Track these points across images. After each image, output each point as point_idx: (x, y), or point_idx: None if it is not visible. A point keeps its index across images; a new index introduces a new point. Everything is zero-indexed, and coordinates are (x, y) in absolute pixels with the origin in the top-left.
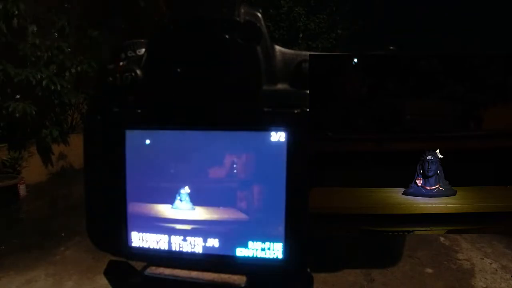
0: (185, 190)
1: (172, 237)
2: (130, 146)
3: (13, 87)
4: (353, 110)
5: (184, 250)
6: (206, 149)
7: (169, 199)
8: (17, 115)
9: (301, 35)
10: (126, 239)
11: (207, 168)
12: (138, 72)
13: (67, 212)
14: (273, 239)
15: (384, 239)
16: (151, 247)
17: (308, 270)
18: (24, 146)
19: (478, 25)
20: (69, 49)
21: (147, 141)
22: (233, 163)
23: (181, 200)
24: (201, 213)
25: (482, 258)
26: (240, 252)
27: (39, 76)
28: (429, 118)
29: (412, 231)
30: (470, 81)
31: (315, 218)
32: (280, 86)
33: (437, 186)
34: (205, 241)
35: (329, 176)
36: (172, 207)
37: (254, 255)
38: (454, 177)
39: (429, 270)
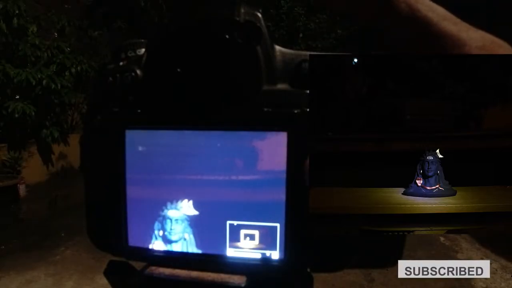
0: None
1: None
2: (130, 146)
3: (13, 87)
4: (353, 110)
5: (184, 250)
6: (206, 149)
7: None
8: (16, 115)
9: (301, 35)
10: (126, 239)
11: (206, 168)
12: (138, 72)
13: (67, 212)
14: (273, 239)
15: (384, 239)
16: (151, 247)
17: (308, 270)
18: (24, 146)
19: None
20: (69, 49)
21: (147, 141)
22: (232, 163)
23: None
24: None
25: (482, 258)
26: (240, 252)
27: (39, 76)
28: (429, 118)
29: (412, 231)
30: (470, 81)
31: (315, 218)
32: (280, 86)
33: (437, 186)
34: None
35: (329, 176)
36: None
37: (254, 255)
38: (454, 177)
39: None
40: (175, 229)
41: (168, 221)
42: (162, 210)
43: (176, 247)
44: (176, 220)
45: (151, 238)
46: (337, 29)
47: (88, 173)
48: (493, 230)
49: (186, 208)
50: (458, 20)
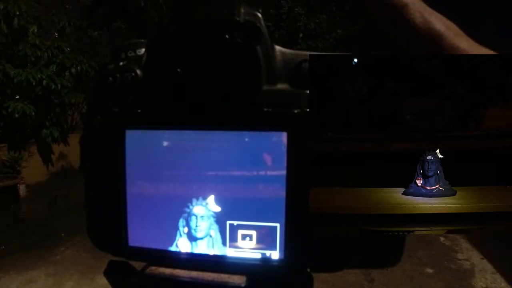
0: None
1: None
2: (130, 146)
3: (13, 87)
4: (353, 110)
5: (184, 250)
6: (206, 149)
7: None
8: (16, 115)
9: (301, 35)
10: (126, 239)
11: (206, 168)
12: (138, 72)
13: (67, 212)
14: (273, 239)
15: (384, 239)
16: (151, 247)
17: (308, 270)
18: (24, 146)
19: (478, 24)
20: (69, 49)
21: (147, 141)
22: (232, 163)
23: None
24: None
25: (482, 258)
26: (240, 252)
27: (39, 76)
28: (429, 118)
29: (412, 231)
30: (470, 81)
31: (315, 218)
32: (280, 86)
33: (437, 186)
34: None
35: (329, 176)
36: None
37: (254, 255)
38: (454, 177)
39: (429, 270)
40: (200, 226)
41: (194, 217)
42: (187, 207)
43: (202, 244)
44: (202, 216)
45: (151, 238)
46: (337, 29)
47: (88, 173)
48: (493, 230)
49: (212, 204)
50: (467, 38)
